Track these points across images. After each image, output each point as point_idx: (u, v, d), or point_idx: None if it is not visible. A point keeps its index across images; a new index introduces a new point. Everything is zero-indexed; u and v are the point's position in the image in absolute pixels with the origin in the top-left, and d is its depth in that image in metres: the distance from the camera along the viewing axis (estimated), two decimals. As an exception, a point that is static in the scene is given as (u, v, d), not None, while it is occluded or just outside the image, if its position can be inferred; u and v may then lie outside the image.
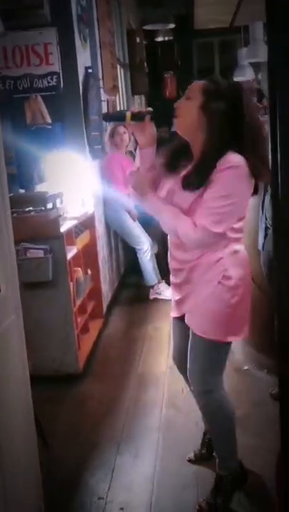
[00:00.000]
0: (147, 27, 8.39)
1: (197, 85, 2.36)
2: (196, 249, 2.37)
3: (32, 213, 3.87)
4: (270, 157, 1.46)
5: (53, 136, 4.52)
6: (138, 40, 8.24)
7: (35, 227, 3.77)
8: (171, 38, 10.55)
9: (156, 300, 5.72)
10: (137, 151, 2.56)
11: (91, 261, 4.83)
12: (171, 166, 2.48)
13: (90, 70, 4.93)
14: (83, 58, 4.83)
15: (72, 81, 4.57)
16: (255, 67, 9.08)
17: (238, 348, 3.97)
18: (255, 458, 2.89)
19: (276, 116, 1.40)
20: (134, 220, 5.73)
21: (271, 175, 1.45)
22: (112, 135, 5.79)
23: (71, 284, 3.97)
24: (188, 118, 2.34)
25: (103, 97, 5.71)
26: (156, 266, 5.79)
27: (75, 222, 4.20)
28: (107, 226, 5.77)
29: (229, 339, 2.47)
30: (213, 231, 2.26)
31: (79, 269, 4.37)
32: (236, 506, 2.61)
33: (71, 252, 4.05)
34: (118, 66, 7.07)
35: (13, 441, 2.23)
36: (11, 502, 2.11)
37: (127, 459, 3.05)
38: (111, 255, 5.88)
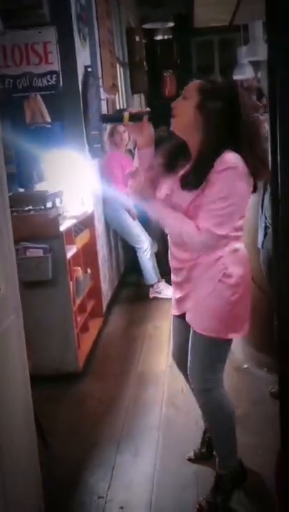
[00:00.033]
0: (147, 26, 8.39)
1: (193, 85, 2.37)
2: (200, 251, 2.38)
3: (31, 212, 3.87)
4: (269, 156, 1.46)
5: (52, 135, 4.52)
6: (137, 38, 8.24)
7: (34, 226, 3.77)
8: (170, 36, 10.55)
9: (156, 299, 5.72)
10: (136, 150, 2.57)
11: (91, 260, 4.82)
12: (170, 165, 2.49)
13: (89, 69, 4.93)
14: (83, 57, 4.82)
15: (71, 80, 4.57)
16: (255, 65, 9.07)
17: (238, 347, 3.97)
18: (254, 457, 2.89)
19: (276, 115, 1.40)
20: (134, 219, 5.73)
21: (271, 174, 1.45)
22: (112, 134, 5.79)
23: (71, 283, 3.97)
24: (185, 118, 2.35)
25: (103, 95, 5.71)
26: (155, 265, 5.79)
27: (74, 221, 4.20)
28: (107, 225, 5.77)
29: (230, 336, 2.48)
30: (217, 233, 2.29)
31: (79, 268, 4.37)
32: (236, 505, 2.61)
33: (71, 251, 4.05)
34: (118, 65, 7.07)
35: (13, 441, 2.23)
36: (11, 501, 2.11)
37: (127, 457, 3.05)
38: (111, 254, 5.88)
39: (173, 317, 2.71)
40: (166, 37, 10.62)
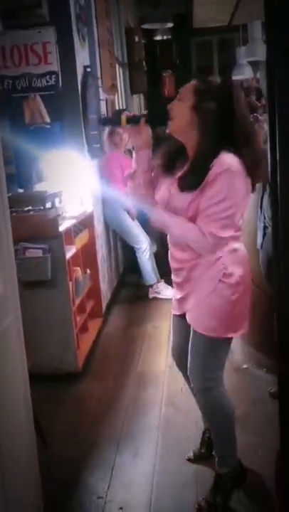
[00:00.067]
0: (146, 26, 8.39)
1: (188, 86, 2.40)
2: (206, 253, 2.39)
3: (31, 213, 3.87)
4: (268, 156, 1.46)
5: (51, 135, 4.52)
6: (137, 39, 8.24)
7: (34, 226, 3.77)
8: (169, 36, 10.55)
9: (155, 299, 5.72)
10: (134, 151, 2.59)
11: (90, 260, 4.82)
12: (168, 167, 2.52)
13: (88, 69, 4.93)
14: (82, 57, 4.83)
15: (70, 80, 4.57)
16: (254, 65, 9.06)
17: (238, 347, 3.98)
18: (254, 456, 2.90)
19: (275, 115, 1.40)
20: (133, 219, 5.73)
21: (270, 174, 1.46)
22: (111, 134, 5.78)
23: (70, 283, 3.97)
24: (181, 119, 2.37)
25: (102, 96, 5.71)
26: (155, 265, 5.79)
27: (73, 221, 4.20)
28: (106, 225, 5.77)
29: (230, 335, 2.50)
30: (221, 236, 2.31)
31: (78, 268, 4.37)
32: (236, 505, 2.61)
33: (70, 252, 4.05)
34: (117, 65, 7.07)
35: (13, 440, 2.23)
36: (10, 501, 2.11)
37: (127, 458, 3.06)
38: (110, 254, 5.88)
39: (173, 316, 2.72)
40: (165, 37, 10.62)
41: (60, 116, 4.60)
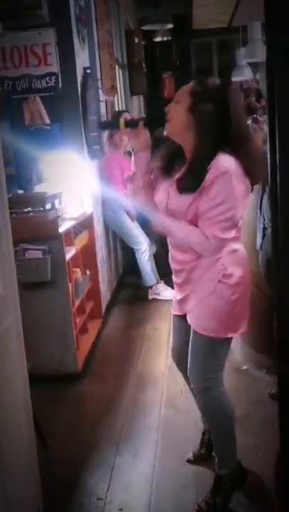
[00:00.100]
0: (146, 27, 8.38)
1: (185, 89, 2.42)
2: (209, 255, 2.40)
3: (31, 214, 3.87)
4: (268, 157, 1.46)
5: (51, 136, 4.52)
6: (136, 40, 8.24)
7: (34, 227, 3.77)
8: (169, 38, 10.55)
9: (155, 300, 5.72)
10: (133, 154, 2.61)
11: (90, 261, 4.82)
12: (167, 169, 2.54)
13: (88, 71, 4.93)
14: (82, 59, 4.83)
15: (70, 82, 4.57)
16: (254, 67, 9.07)
17: (237, 348, 3.98)
18: (254, 457, 2.89)
19: (275, 116, 1.41)
20: (133, 221, 5.73)
21: (270, 175, 1.46)
22: (112, 135, 5.78)
23: (70, 284, 3.97)
24: (178, 121, 2.39)
25: (102, 97, 5.71)
26: (154, 266, 5.79)
27: (73, 222, 4.20)
28: (106, 226, 5.77)
29: (229, 336, 2.51)
30: (224, 238, 2.33)
31: (78, 269, 4.37)
32: (235, 506, 2.61)
33: (70, 253, 4.05)
34: (116, 66, 7.07)
35: (13, 441, 2.23)
36: (10, 502, 2.11)
37: (126, 459, 3.05)
38: (110, 255, 5.88)
39: (173, 317, 2.74)
40: (165, 38, 10.63)
41: (59, 118, 4.60)
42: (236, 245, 2.45)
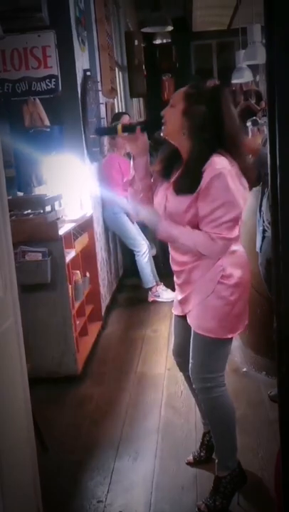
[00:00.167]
0: (145, 29, 8.39)
1: (179, 92, 2.46)
2: (217, 256, 2.42)
3: (30, 216, 3.88)
4: (268, 159, 1.46)
5: (51, 139, 4.52)
6: (136, 42, 8.24)
7: (33, 229, 3.77)
8: (169, 40, 10.57)
9: (154, 302, 5.72)
10: (132, 158, 2.64)
11: (89, 263, 4.83)
12: (166, 172, 2.57)
13: (88, 73, 4.94)
14: (81, 61, 4.83)
15: (70, 84, 4.58)
16: (254, 69, 9.08)
17: (237, 350, 3.98)
18: (254, 459, 2.90)
19: (275, 118, 1.41)
20: (133, 223, 5.73)
21: (270, 177, 1.46)
22: (113, 136, 5.77)
23: (70, 286, 3.97)
24: (173, 124, 2.43)
25: (101, 99, 5.72)
26: (154, 268, 5.79)
27: (73, 224, 4.20)
28: (106, 228, 5.77)
29: (230, 336, 2.53)
30: (230, 237, 2.36)
31: (77, 271, 4.37)
32: (235, 508, 2.61)
33: (70, 255, 4.05)
34: (116, 69, 7.08)
35: (12, 443, 2.22)
36: (9, 506, 2.11)
37: (126, 461, 3.05)
38: (109, 257, 5.88)
39: (174, 317, 2.76)
40: (164, 41, 10.64)
41: (59, 120, 4.61)
42: (235, 246, 2.47)
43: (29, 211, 3.92)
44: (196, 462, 2.93)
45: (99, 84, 5.56)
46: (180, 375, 2.94)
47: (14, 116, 4.48)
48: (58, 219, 3.93)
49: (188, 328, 2.57)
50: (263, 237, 3.41)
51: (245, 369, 3.94)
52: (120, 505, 2.71)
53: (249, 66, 8.53)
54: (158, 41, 10.62)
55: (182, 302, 2.59)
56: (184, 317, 2.61)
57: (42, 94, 4.48)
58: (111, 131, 2.99)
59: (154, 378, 4.00)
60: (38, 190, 4.44)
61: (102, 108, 5.79)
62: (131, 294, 6.19)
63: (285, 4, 1.36)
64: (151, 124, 2.64)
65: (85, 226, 4.67)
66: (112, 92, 6.19)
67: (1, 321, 2.17)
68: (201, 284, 2.46)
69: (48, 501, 2.55)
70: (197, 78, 10.44)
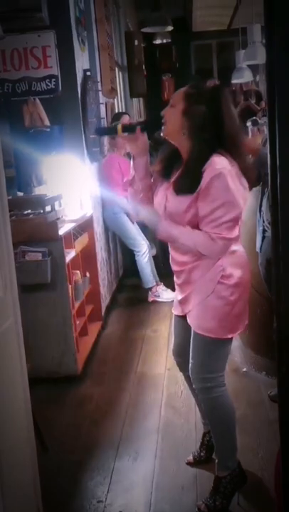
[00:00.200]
0: (145, 29, 8.39)
1: (179, 92, 2.47)
2: (217, 256, 2.42)
3: (30, 216, 3.88)
4: (268, 159, 1.46)
5: (51, 139, 4.52)
6: (136, 42, 8.24)
7: (33, 229, 3.77)
8: (169, 40, 10.57)
9: (154, 302, 5.72)
10: (132, 159, 2.64)
11: (89, 263, 4.83)
12: (166, 172, 2.57)
13: (88, 73, 4.94)
14: (81, 61, 4.84)
15: (70, 84, 4.58)
16: (254, 69, 9.08)
17: (237, 350, 3.98)
18: (254, 459, 2.90)
19: (275, 118, 1.41)
20: (133, 223, 5.73)
21: (270, 177, 1.46)
22: (114, 136, 5.77)
23: (70, 286, 3.97)
24: (173, 124, 2.44)
25: (101, 99, 5.72)
26: (154, 268, 5.79)
27: (73, 224, 4.20)
28: (106, 228, 5.77)
29: (229, 336, 2.53)
30: (230, 237, 2.37)
31: (77, 271, 4.37)
32: (235, 508, 2.61)
33: (70, 255, 4.05)
34: (116, 69, 7.08)
35: (12, 443, 2.22)
36: (9, 506, 2.11)
37: (126, 461, 3.05)
38: (109, 257, 5.88)
39: (175, 317, 2.76)
40: (164, 41, 10.64)
41: (59, 120, 4.61)
42: (235, 246, 2.47)
43: (29, 211, 3.92)
44: (196, 462, 2.93)
45: (99, 84, 5.56)
46: (180, 375, 2.94)
47: (14, 116, 4.48)
48: (58, 219, 3.93)
49: (188, 328, 2.57)
50: (263, 237, 3.41)
51: (245, 369, 3.94)
52: (120, 505, 2.71)
53: (249, 66, 8.53)
54: (158, 41, 10.63)
55: (182, 302, 2.59)
56: (184, 317, 2.61)
57: (42, 94, 4.48)
58: (111, 132, 3.00)
59: (154, 378, 4.00)
60: (38, 190, 4.44)
61: (102, 108, 5.79)
62: (131, 294, 6.19)
63: (285, 4, 1.36)
64: (151, 124, 2.65)
65: (85, 226, 4.67)
66: (112, 92, 6.19)
67: (1, 321, 2.17)
68: (201, 284, 2.46)
69: (48, 501, 2.55)
70: (197, 78, 10.44)
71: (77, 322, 4.27)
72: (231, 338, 2.55)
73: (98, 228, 5.31)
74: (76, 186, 4.59)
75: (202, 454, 2.94)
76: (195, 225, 2.39)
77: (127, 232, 5.79)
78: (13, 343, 2.29)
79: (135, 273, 5.97)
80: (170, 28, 8.22)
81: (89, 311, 4.74)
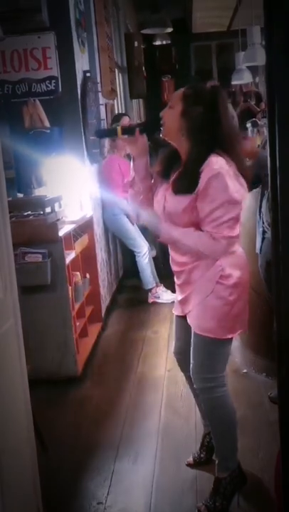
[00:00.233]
0: (145, 31, 8.41)
1: (177, 94, 2.49)
2: (220, 256, 2.43)
3: (30, 217, 3.88)
4: (268, 160, 1.46)
5: (51, 140, 4.52)
6: (136, 44, 8.25)
7: (33, 231, 3.77)
8: (169, 41, 10.59)
9: (154, 303, 5.72)
10: (132, 160, 2.65)
11: (89, 264, 4.83)
12: (165, 173, 2.58)
13: (88, 74, 4.95)
14: (81, 62, 4.84)
15: (70, 85, 4.58)
16: (253, 70, 9.09)
17: (237, 351, 3.98)
18: (254, 460, 2.90)
19: (274, 119, 1.41)
20: (133, 224, 5.73)
21: (270, 178, 1.46)
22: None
23: (70, 287, 3.97)
24: (172, 125, 2.46)
25: (101, 100, 5.72)
26: (154, 269, 5.79)
27: (73, 226, 4.20)
28: (106, 229, 5.77)
29: (229, 336, 2.54)
30: (232, 236, 2.38)
31: (77, 273, 4.37)
32: (235, 509, 2.61)
33: (70, 256, 4.05)
34: (116, 70, 7.08)
35: (12, 445, 2.22)
36: (10, 505, 2.11)
37: (126, 463, 3.05)
38: (109, 258, 5.89)
39: (175, 317, 2.77)
40: (164, 42, 10.66)
41: (59, 121, 4.61)
42: (234, 247, 2.48)
43: (29, 212, 3.92)
44: (196, 463, 2.93)
45: (99, 85, 5.57)
46: (180, 376, 2.94)
47: (14, 117, 4.48)
48: (58, 220, 3.93)
49: (188, 328, 2.58)
50: (263, 239, 3.41)
51: (245, 370, 3.94)
52: (120, 506, 2.71)
53: (249, 67, 8.54)
54: (158, 42, 10.64)
55: (182, 302, 2.60)
56: (184, 317, 2.62)
57: (42, 95, 4.48)
58: (111, 134, 3.01)
59: (154, 379, 4.00)
60: (38, 192, 4.44)
61: (102, 109, 5.79)
62: (131, 295, 6.19)
63: (284, 6, 1.37)
64: (151, 126, 2.67)
65: (85, 227, 4.67)
66: (111, 93, 6.20)
67: (1, 322, 2.17)
68: (201, 284, 2.47)
69: (48, 501, 2.55)
70: (197, 79, 10.46)
71: (77, 323, 4.27)
72: (231, 338, 2.56)
73: (98, 229, 5.31)
74: (76, 187, 4.60)
75: (202, 455, 2.94)
76: (194, 224, 2.40)
77: (127, 233, 5.79)
78: (13, 344, 2.29)
79: (135, 274, 5.97)
80: (170, 30, 8.23)
81: (89, 312, 4.74)
